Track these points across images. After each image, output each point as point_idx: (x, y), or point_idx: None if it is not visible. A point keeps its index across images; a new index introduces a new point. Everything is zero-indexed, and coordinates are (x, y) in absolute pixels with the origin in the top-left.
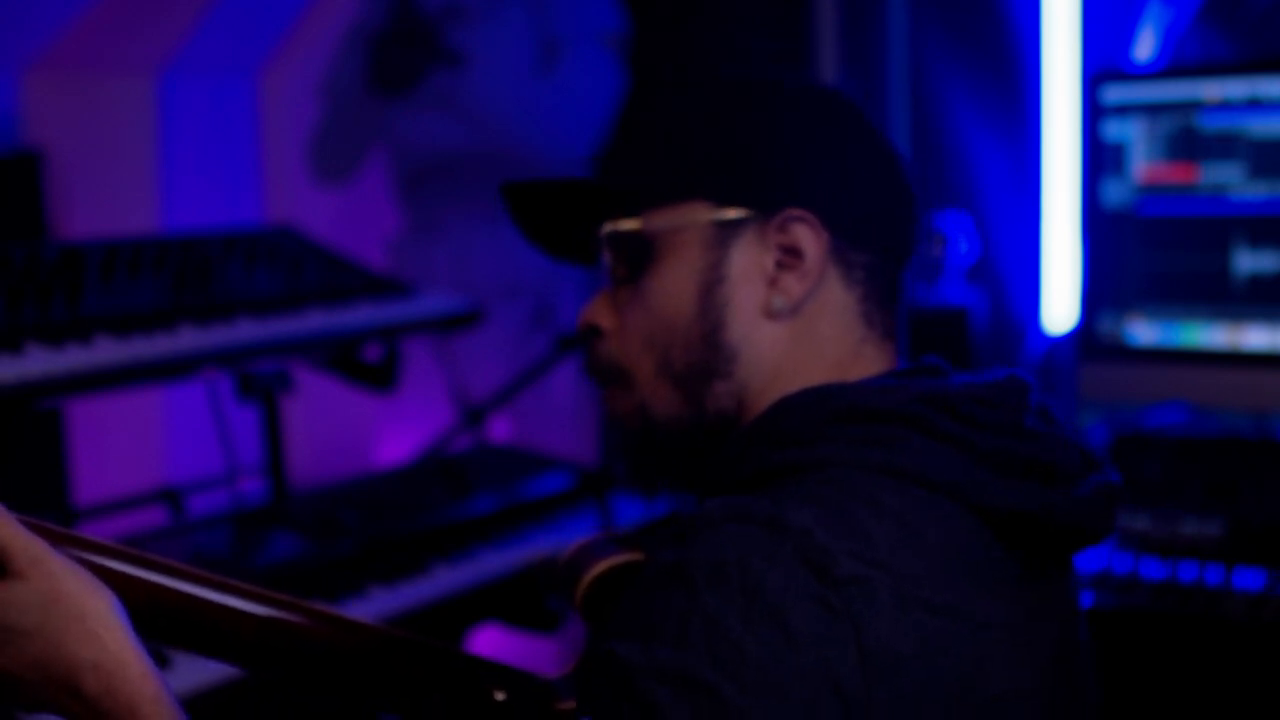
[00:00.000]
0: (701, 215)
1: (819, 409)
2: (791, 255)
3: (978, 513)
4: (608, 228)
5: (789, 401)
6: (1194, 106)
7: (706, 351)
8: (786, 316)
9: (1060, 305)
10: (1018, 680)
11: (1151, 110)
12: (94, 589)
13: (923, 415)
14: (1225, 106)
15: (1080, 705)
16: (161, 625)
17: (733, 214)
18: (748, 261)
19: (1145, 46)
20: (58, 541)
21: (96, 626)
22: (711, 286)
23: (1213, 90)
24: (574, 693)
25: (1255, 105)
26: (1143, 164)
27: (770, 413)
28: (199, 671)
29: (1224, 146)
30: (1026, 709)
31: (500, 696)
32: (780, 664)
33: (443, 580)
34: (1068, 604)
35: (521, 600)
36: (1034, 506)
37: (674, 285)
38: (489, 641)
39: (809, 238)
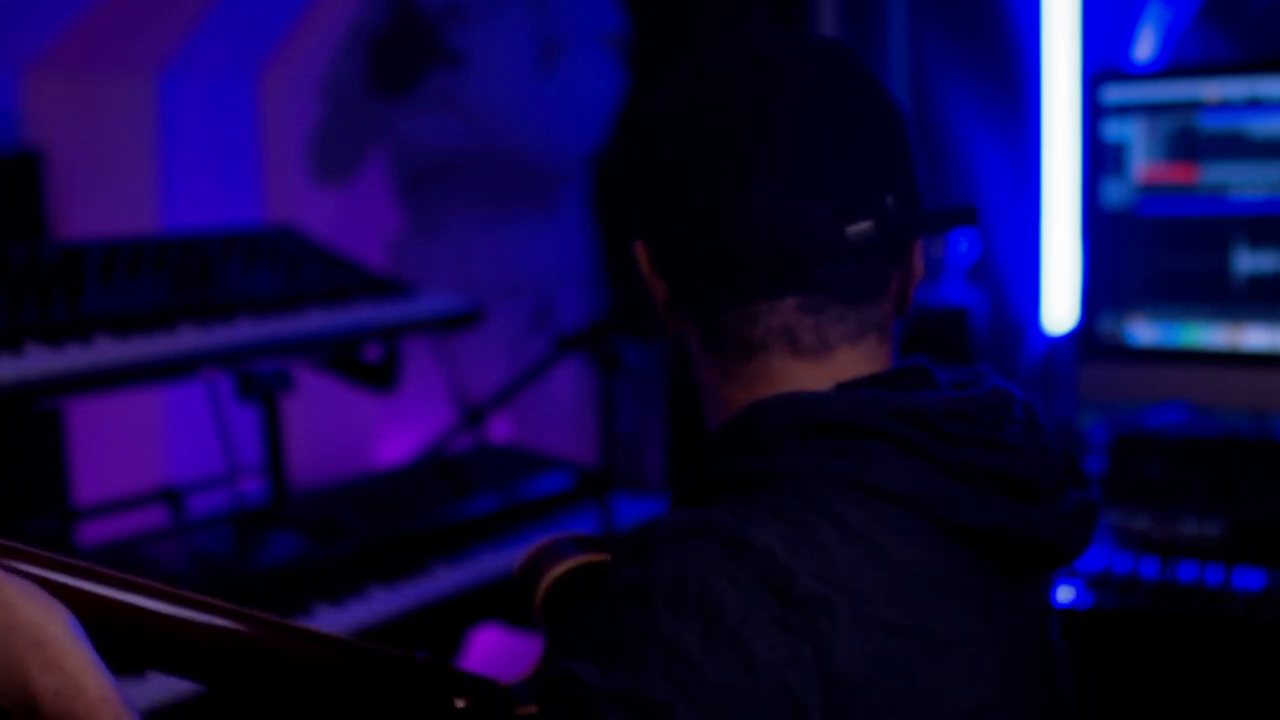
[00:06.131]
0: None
1: (786, 417)
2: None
3: (945, 527)
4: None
5: (758, 407)
6: (1194, 106)
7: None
8: (712, 353)
9: (1060, 305)
10: (981, 695)
11: (1151, 110)
12: (51, 612)
13: (892, 430)
14: (1225, 106)
15: (1054, 712)
16: (115, 640)
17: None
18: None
19: (1145, 46)
20: (5, 556)
21: (54, 653)
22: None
23: (1213, 90)
24: (534, 697)
25: (1255, 105)
26: (1143, 164)
27: (739, 418)
28: (171, 685)
29: (1224, 146)
30: None
31: (460, 704)
32: (739, 688)
33: (443, 580)
34: (1040, 613)
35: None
36: (1003, 523)
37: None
38: (489, 642)
39: (647, 270)
